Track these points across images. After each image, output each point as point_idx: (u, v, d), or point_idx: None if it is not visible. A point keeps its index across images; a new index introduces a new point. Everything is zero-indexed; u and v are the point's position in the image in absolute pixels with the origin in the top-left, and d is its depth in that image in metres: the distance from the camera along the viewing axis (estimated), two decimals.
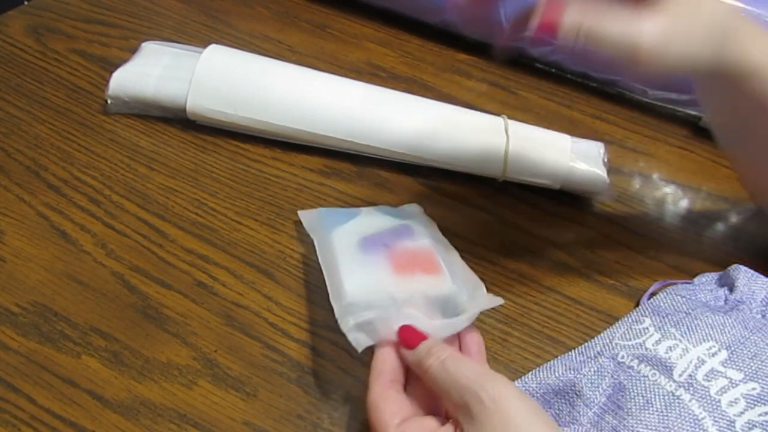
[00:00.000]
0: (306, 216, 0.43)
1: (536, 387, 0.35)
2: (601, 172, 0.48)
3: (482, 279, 0.38)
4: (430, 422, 0.30)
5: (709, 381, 0.33)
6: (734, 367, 0.33)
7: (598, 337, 0.37)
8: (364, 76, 0.58)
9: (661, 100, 0.57)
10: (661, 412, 0.32)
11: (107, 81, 0.51)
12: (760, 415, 0.31)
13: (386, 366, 0.32)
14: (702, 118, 0.55)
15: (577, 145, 0.50)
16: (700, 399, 0.32)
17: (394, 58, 0.60)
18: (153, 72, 0.51)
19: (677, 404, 0.32)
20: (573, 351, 0.37)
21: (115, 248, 0.43)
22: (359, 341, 0.33)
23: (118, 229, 0.44)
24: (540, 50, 0.58)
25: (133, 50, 0.54)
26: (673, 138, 0.56)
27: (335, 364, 0.38)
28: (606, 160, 0.50)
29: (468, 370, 0.29)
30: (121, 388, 0.37)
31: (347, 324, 0.34)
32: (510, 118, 0.50)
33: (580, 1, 0.30)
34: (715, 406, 0.32)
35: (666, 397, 0.32)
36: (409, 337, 0.32)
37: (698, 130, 0.56)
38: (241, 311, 0.41)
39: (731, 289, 0.38)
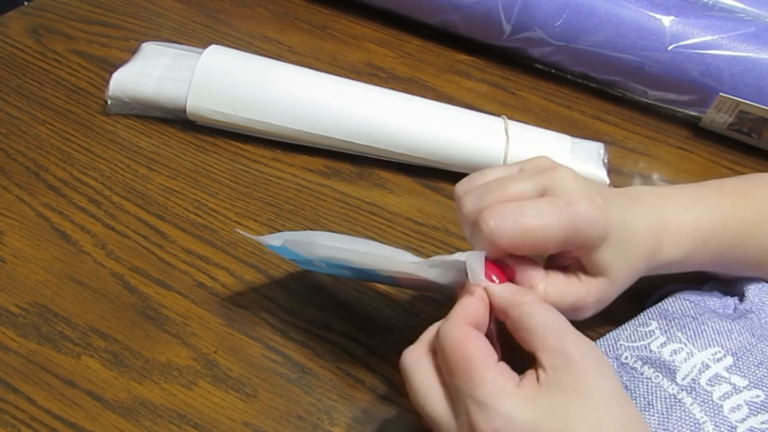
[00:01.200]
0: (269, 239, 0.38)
1: None
2: (601, 172, 0.48)
3: None
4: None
5: (712, 386, 0.33)
6: (739, 373, 0.33)
7: (603, 337, 0.37)
8: (364, 76, 0.58)
9: (661, 101, 0.57)
10: (662, 414, 0.32)
11: (107, 82, 0.51)
12: (762, 423, 0.31)
13: (476, 311, 0.30)
14: (702, 118, 0.55)
15: (577, 145, 0.50)
16: (702, 403, 0.32)
17: (394, 58, 0.60)
18: (153, 73, 0.51)
19: (678, 407, 0.32)
20: None
21: (115, 249, 0.43)
22: (474, 275, 0.31)
23: (118, 229, 0.44)
24: (540, 51, 0.58)
25: (133, 51, 0.54)
26: (673, 138, 0.56)
27: (335, 365, 0.38)
28: (606, 160, 0.50)
29: (565, 320, 0.29)
30: (121, 389, 0.36)
31: (462, 256, 0.31)
32: (510, 118, 0.50)
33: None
34: (716, 411, 0.32)
35: (667, 400, 0.32)
36: (498, 274, 0.31)
37: (698, 131, 0.56)
38: (241, 312, 0.41)
39: (741, 299, 0.38)
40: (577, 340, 0.28)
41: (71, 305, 0.40)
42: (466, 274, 0.31)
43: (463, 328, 0.29)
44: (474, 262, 0.31)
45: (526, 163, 0.34)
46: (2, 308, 0.40)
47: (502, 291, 0.31)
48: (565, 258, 0.34)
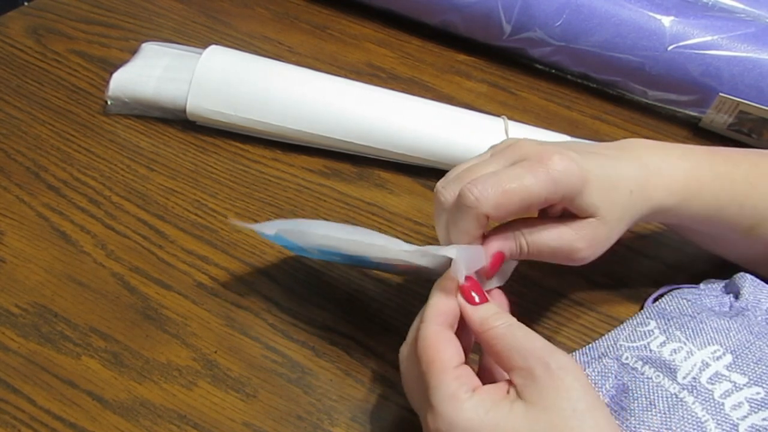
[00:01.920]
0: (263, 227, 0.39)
1: None
2: None
3: None
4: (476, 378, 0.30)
5: (713, 384, 0.33)
6: (738, 371, 0.33)
7: (603, 338, 0.37)
8: (364, 76, 0.58)
9: (661, 101, 0.57)
10: (664, 413, 0.32)
11: (107, 82, 0.51)
12: (763, 419, 0.31)
13: (449, 308, 0.31)
14: (702, 118, 0.55)
15: None
16: (703, 402, 0.32)
17: (394, 58, 0.60)
18: (153, 73, 0.51)
19: (680, 406, 0.32)
20: (577, 351, 0.37)
21: (115, 249, 0.43)
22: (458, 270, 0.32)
23: (118, 230, 0.44)
24: (540, 51, 0.58)
25: (133, 51, 0.54)
26: (673, 139, 0.56)
27: (335, 365, 0.38)
28: None
29: (536, 338, 0.30)
30: (121, 389, 0.36)
31: (452, 251, 0.32)
32: (510, 118, 0.50)
33: (517, 221, 0.34)
34: (718, 409, 0.32)
35: (669, 399, 0.32)
36: (476, 291, 0.32)
37: (698, 131, 0.56)
38: (241, 312, 0.41)
39: (737, 297, 0.38)
40: (543, 357, 0.28)
41: (71, 305, 0.40)
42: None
43: (433, 330, 0.30)
44: (462, 258, 0.32)
45: (493, 147, 0.36)
46: (2, 308, 0.40)
47: (472, 313, 0.31)
48: (555, 209, 0.35)
